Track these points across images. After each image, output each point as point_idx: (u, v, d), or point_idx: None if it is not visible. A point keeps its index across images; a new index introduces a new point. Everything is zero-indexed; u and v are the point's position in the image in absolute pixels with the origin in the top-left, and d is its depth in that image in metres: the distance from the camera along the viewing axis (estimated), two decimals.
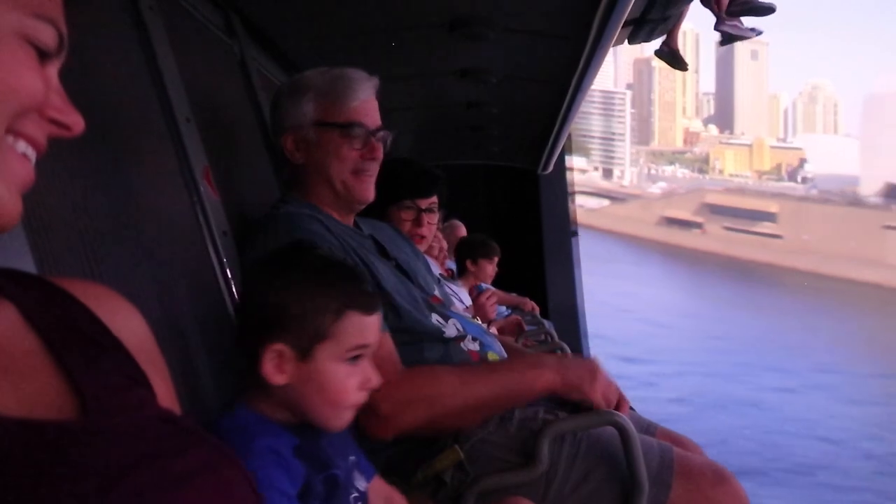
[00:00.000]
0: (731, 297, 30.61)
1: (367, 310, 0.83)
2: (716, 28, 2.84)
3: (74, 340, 0.50)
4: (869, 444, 11.07)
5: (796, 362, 17.30)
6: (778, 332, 21.51)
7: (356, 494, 0.85)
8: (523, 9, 1.93)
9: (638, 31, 2.41)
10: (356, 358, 0.82)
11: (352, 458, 0.87)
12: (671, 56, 3.15)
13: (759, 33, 2.93)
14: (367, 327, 0.83)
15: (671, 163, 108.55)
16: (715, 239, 49.65)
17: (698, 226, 54.03)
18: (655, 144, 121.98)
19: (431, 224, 1.99)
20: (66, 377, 0.47)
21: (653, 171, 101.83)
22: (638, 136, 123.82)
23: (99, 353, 0.51)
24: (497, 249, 3.02)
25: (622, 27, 1.97)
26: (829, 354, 18.32)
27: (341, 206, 1.33)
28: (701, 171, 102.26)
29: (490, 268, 2.98)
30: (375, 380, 0.84)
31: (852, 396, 14.42)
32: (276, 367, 0.80)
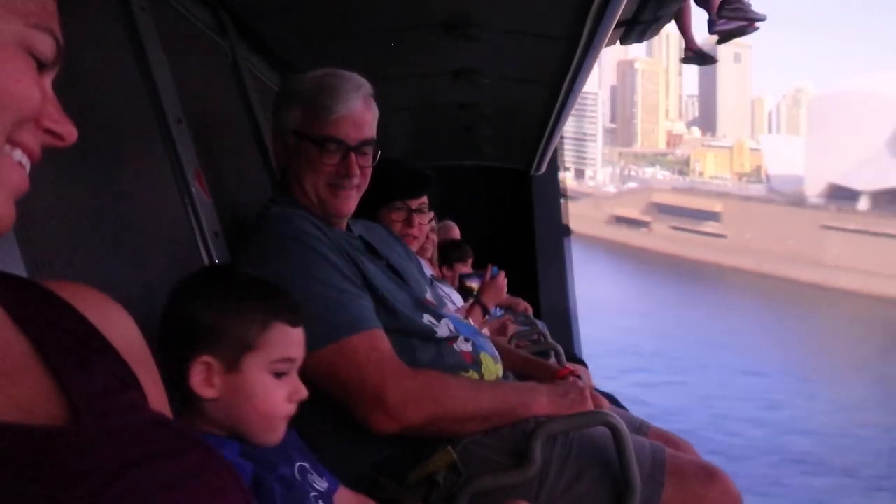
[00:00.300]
0: (667, 294, 30.72)
1: (293, 322, 0.84)
2: (710, 31, 2.86)
3: (65, 344, 0.50)
4: (722, 437, 11.35)
5: (695, 359, 17.72)
6: (698, 328, 21.81)
7: (315, 493, 0.86)
8: (516, 10, 1.94)
9: (630, 31, 2.43)
10: (282, 374, 0.83)
11: (300, 463, 0.88)
12: (698, 57, 3.18)
13: (762, 20, 2.94)
14: (294, 339, 0.84)
15: (652, 164, 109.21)
16: (661, 237, 50.16)
17: (645, 224, 54.47)
18: (638, 146, 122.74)
19: (422, 224, 1.99)
20: (57, 380, 0.47)
21: (632, 173, 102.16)
22: (621, 138, 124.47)
23: (89, 356, 0.51)
24: (470, 252, 3.11)
25: (614, 28, 1.98)
26: (739, 351, 18.72)
27: (320, 214, 1.30)
28: (682, 172, 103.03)
29: (465, 270, 3.07)
30: (303, 391, 0.85)
31: (712, 392, 14.64)
32: (204, 381, 0.80)
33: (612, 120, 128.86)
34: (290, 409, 0.84)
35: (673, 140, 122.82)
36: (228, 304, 0.82)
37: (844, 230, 40.10)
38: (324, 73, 1.32)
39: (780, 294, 34.26)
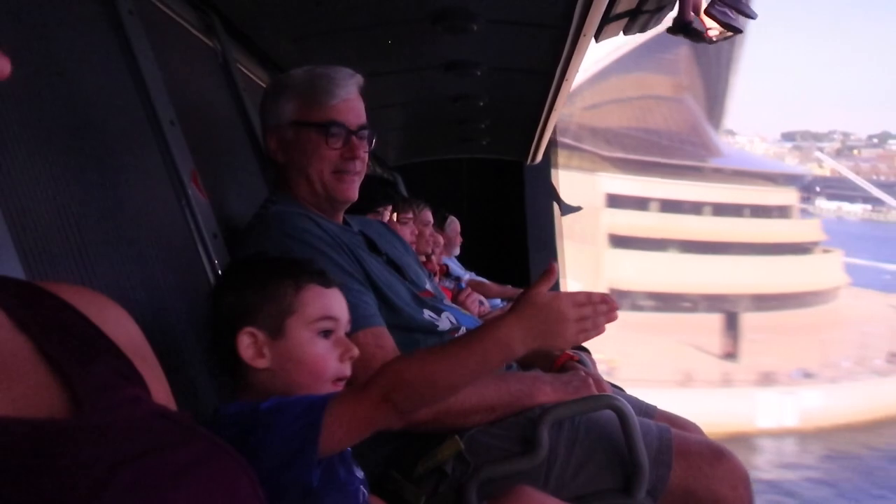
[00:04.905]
0: None
1: (324, 283, 0.88)
2: (706, 10, 2.81)
3: (66, 342, 0.50)
4: None
5: None
6: None
7: (358, 483, 0.87)
8: None
9: (633, 22, 2.39)
10: (328, 333, 0.86)
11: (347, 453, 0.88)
12: (685, 28, 3.09)
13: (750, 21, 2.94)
14: (329, 298, 0.88)
15: None
16: None
17: None
18: None
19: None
20: (59, 376, 0.47)
21: None
22: None
23: (90, 352, 0.51)
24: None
25: (617, 19, 1.97)
26: None
27: (324, 205, 1.32)
28: None
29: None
30: (355, 350, 0.87)
31: None
32: (255, 352, 0.84)
33: None
34: (345, 369, 0.87)
35: None
36: (260, 281, 0.87)
37: None
38: (313, 68, 1.33)
39: None
